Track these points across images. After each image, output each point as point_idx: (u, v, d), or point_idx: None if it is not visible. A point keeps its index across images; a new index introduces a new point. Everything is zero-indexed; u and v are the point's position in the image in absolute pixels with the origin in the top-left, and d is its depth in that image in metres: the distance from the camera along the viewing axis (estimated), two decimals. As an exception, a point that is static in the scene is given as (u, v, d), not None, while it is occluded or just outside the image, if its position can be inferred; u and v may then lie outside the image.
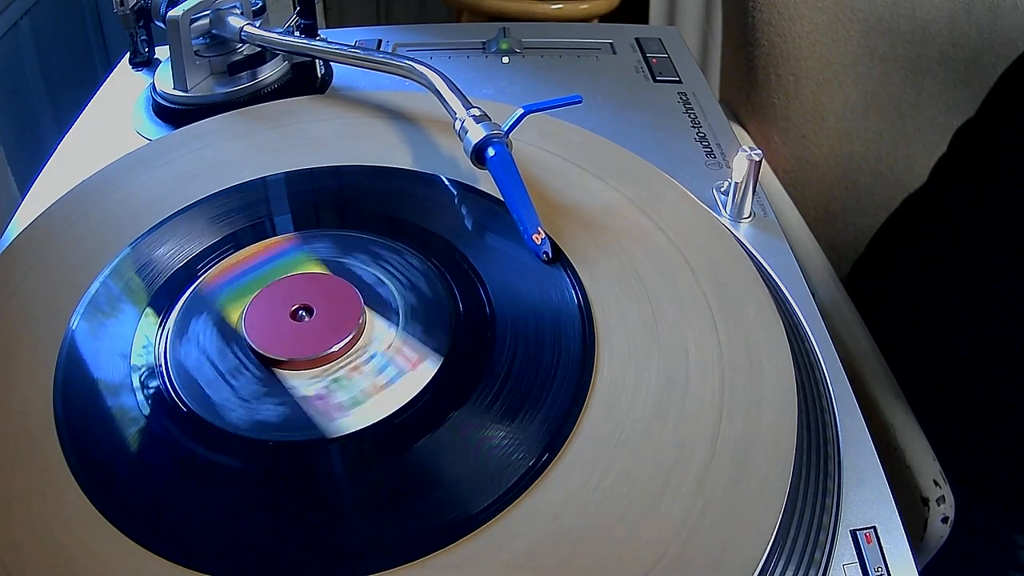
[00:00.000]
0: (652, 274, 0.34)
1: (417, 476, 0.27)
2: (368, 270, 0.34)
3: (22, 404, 0.30)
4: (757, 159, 0.39)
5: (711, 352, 0.30)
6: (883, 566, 0.27)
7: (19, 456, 0.28)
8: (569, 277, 0.34)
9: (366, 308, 0.32)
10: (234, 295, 0.34)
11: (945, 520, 0.40)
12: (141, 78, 0.53)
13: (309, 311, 0.32)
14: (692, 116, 0.49)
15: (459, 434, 0.28)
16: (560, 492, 0.26)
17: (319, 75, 0.50)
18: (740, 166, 0.39)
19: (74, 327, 0.32)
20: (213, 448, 0.28)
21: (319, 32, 0.51)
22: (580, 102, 0.39)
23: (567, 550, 0.25)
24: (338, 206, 0.39)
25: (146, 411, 0.29)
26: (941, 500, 0.40)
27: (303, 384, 0.30)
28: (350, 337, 0.31)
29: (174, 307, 0.33)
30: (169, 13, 0.45)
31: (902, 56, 0.57)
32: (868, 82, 0.59)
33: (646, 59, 0.55)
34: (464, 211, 0.38)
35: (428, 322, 0.32)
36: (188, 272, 0.35)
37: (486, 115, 0.38)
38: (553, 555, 0.25)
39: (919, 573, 0.27)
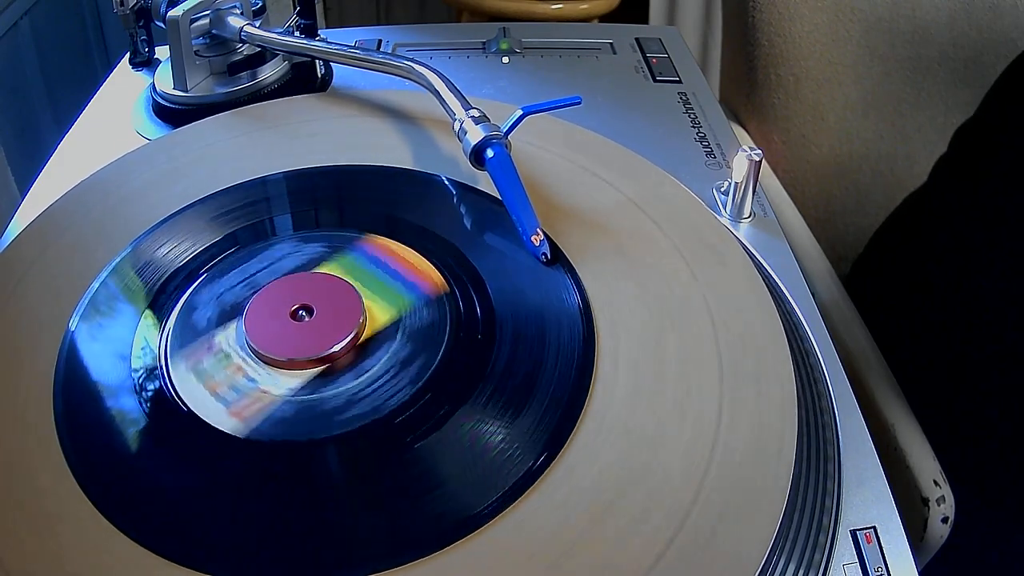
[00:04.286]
0: (651, 274, 0.34)
1: (417, 476, 0.27)
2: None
3: (22, 404, 0.30)
4: (757, 159, 0.39)
5: (710, 352, 0.30)
6: (883, 566, 0.27)
7: (19, 456, 0.28)
8: (569, 277, 0.34)
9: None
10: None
11: (945, 520, 0.40)
12: (141, 78, 0.53)
13: (309, 311, 0.32)
14: (692, 116, 0.49)
15: (459, 434, 0.28)
16: (560, 492, 0.26)
17: (319, 75, 0.50)
18: (740, 166, 0.39)
19: (74, 327, 0.32)
20: (213, 448, 0.28)
21: (319, 32, 0.51)
22: (579, 103, 0.39)
23: (567, 550, 0.25)
24: (338, 206, 0.39)
25: (146, 411, 0.29)
26: (941, 500, 0.40)
27: (228, 336, 0.31)
28: (350, 337, 0.31)
29: (174, 307, 0.33)
30: (169, 13, 0.45)
31: (902, 56, 0.57)
32: (868, 82, 0.59)
33: (646, 59, 0.55)
34: (464, 211, 0.38)
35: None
36: (188, 271, 0.35)
37: (485, 116, 0.38)
38: (553, 555, 0.25)
39: (919, 573, 0.27)
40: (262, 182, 0.39)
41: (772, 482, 0.26)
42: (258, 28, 0.46)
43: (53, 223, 0.37)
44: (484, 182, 0.38)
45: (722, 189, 0.42)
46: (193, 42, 0.46)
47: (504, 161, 0.36)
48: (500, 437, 0.28)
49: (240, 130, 0.43)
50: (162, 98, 0.48)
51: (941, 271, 0.52)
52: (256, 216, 0.37)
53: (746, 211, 0.40)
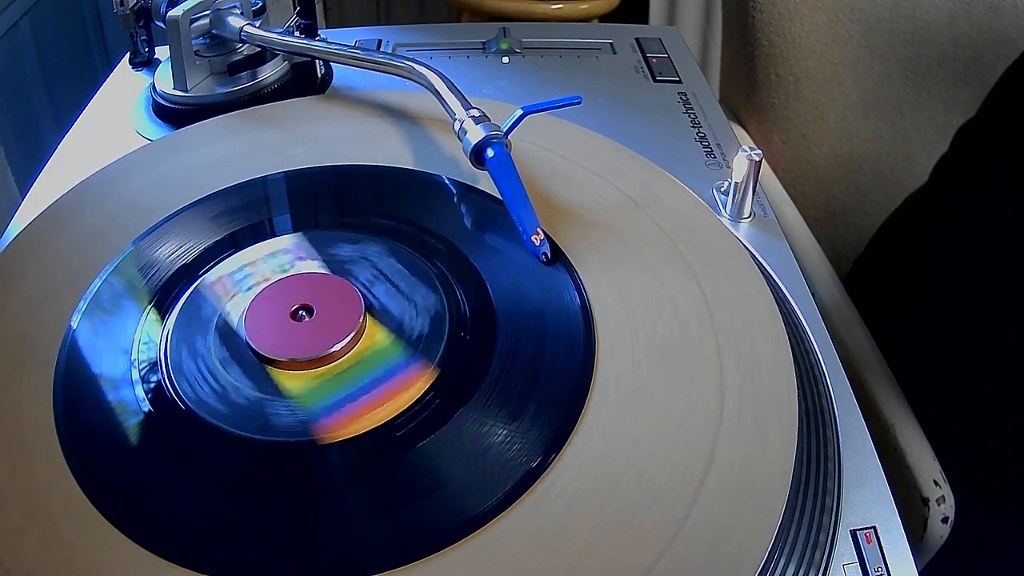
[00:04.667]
0: (652, 274, 0.34)
1: (418, 477, 0.27)
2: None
3: (22, 403, 0.30)
4: (757, 159, 0.39)
5: (710, 352, 0.30)
6: (883, 566, 0.27)
7: (19, 455, 0.28)
8: (569, 277, 0.34)
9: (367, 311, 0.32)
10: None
11: (945, 520, 0.40)
12: (141, 78, 0.53)
13: (309, 311, 0.32)
14: (692, 116, 0.49)
15: (460, 435, 0.28)
16: (560, 493, 0.26)
17: (319, 75, 0.50)
18: (740, 166, 0.39)
19: (74, 327, 0.32)
20: (214, 448, 0.28)
21: (319, 32, 0.51)
22: (579, 103, 0.39)
23: (567, 550, 0.25)
24: (338, 206, 0.39)
25: (147, 412, 0.29)
26: (941, 500, 0.40)
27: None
28: (350, 337, 0.31)
29: (174, 306, 0.33)
30: (169, 13, 0.45)
31: (902, 56, 0.57)
32: (868, 82, 0.59)
33: (646, 59, 0.55)
34: (464, 211, 0.38)
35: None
36: (188, 271, 0.35)
37: (485, 116, 0.38)
38: (552, 555, 0.25)
39: (919, 573, 0.27)
40: (262, 182, 0.39)
41: (772, 482, 0.26)
42: (258, 28, 0.46)
43: (54, 223, 0.37)
44: (484, 182, 0.38)
45: (722, 189, 0.42)
46: (193, 42, 0.46)
47: (504, 160, 0.36)
48: (500, 437, 0.28)
49: (240, 131, 0.43)
50: (162, 98, 0.48)
51: (941, 271, 0.52)
52: (256, 216, 0.37)
53: (746, 211, 0.40)
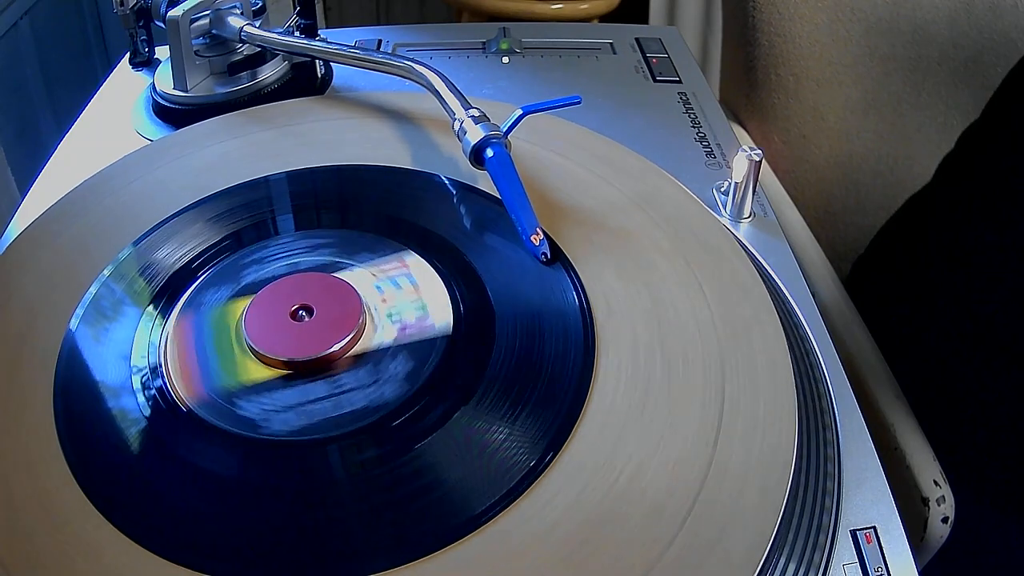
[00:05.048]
0: (652, 274, 0.34)
1: (417, 476, 0.27)
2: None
3: (22, 405, 0.30)
4: (757, 159, 0.39)
5: (711, 352, 0.30)
6: (883, 566, 0.27)
7: (19, 456, 0.28)
8: (569, 277, 0.34)
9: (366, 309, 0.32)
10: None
11: (945, 520, 0.40)
12: (141, 78, 0.53)
13: (309, 311, 0.32)
14: (692, 116, 0.49)
15: (460, 435, 0.28)
16: (560, 492, 0.26)
17: (319, 75, 0.50)
18: (740, 166, 0.39)
19: (74, 327, 0.32)
20: (213, 448, 0.28)
21: (319, 32, 0.51)
22: (579, 103, 0.39)
23: (567, 550, 0.25)
24: (338, 206, 0.39)
25: (146, 411, 0.29)
26: (941, 500, 0.40)
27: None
28: (350, 337, 0.31)
29: (174, 307, 0.33)
30: (169, 13, 0.45)
31: (902, 56, 0.57)
32: (868, 82, 0.59)
33: (646, 59, 0.55)
34: (464, 211, 0.38)
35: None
36: (188, 272, 0.35)
37: (485, 116, 0.38)
38: (552, 555, 0.25)
39: (919, 573, 0.27)
40: (263, 182, 0.39)
41: (772, 482, 0.26)
42: (258, 28, 0.46)
43: (54, 224, 0.37)
44: (484, 182, 0.38)
45: (722, 189, 0.42)
46: (193, 42, 0.46)
47: (504, 160, 0.36)
48: (500, 437, 0.28)
49: (240, 131, 0.43)
50: (162, 98, 0.48)
51: (941, 271, 0.52)
52: (257, 216, 0.37)
53: (746, 211, 0.40)
